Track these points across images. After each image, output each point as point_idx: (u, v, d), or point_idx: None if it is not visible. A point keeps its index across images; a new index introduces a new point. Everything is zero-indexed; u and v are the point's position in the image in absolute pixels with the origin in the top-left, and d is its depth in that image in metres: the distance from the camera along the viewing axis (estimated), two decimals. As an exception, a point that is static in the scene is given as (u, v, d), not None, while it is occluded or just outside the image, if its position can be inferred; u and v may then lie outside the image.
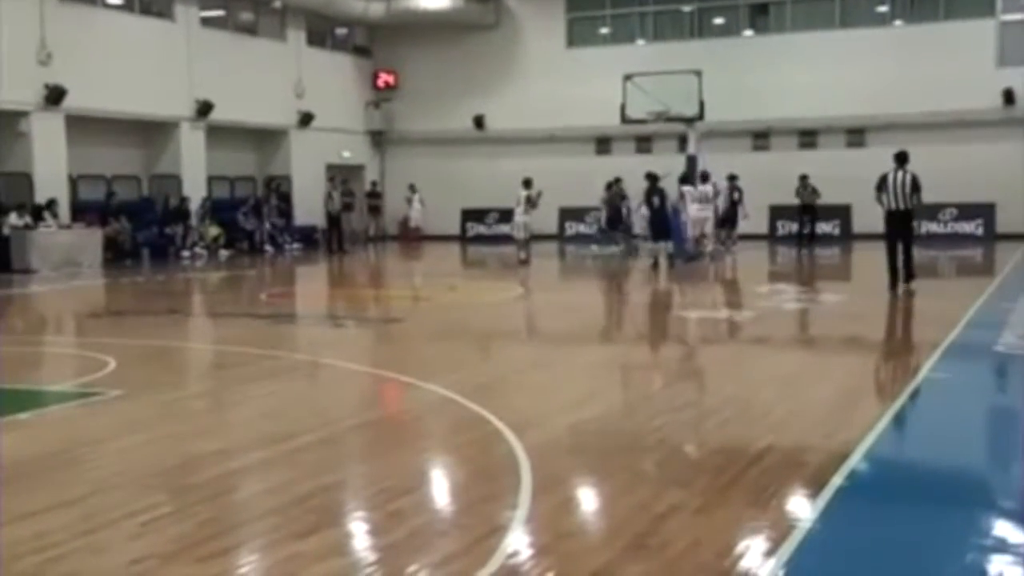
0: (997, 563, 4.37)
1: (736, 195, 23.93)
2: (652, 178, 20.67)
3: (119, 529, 4.90)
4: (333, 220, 26.72)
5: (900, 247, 14.54)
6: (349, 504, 5.47)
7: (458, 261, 25.83)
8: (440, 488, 5.89)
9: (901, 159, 14.81)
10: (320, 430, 6.97)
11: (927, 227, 26.65)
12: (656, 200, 20.44)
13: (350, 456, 6.54)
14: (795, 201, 25.70)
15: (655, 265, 19.68)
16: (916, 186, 14.46)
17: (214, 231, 25.77)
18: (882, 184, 14.59)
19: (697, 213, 21.24)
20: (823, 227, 27.30)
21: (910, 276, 14.65)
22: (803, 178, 25.29)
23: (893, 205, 14.47)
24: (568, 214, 29.39)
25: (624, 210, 23.53)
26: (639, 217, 22.09)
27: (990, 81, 25.63)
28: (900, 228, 14.64)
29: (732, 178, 23.97)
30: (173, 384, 9.23)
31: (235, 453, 6.38)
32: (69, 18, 22.53)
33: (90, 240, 22.16)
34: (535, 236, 22.77)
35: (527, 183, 21.84)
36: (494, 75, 30.72)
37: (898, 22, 27.69)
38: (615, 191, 23.92)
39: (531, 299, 16.86)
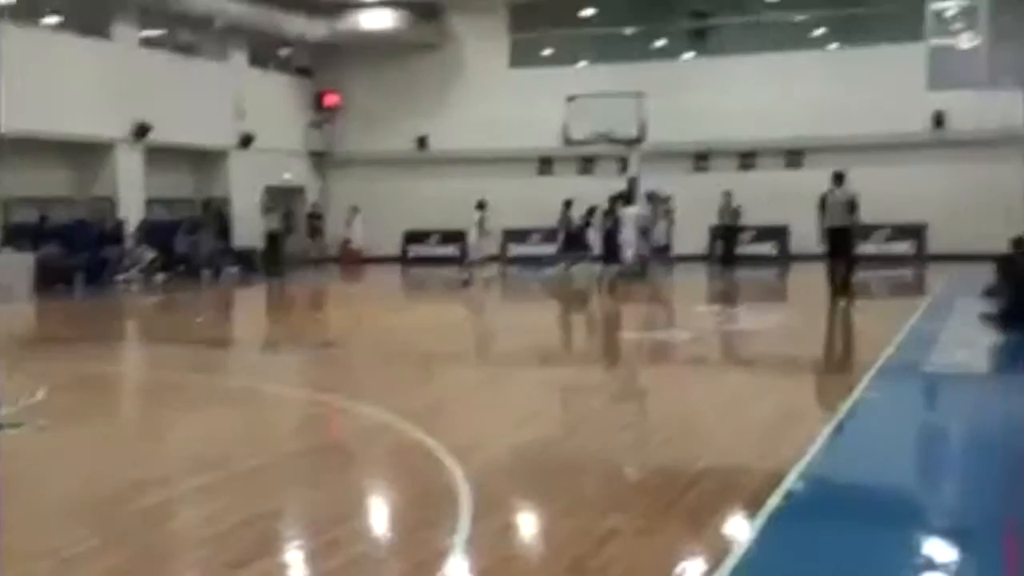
0: (930, 582, 4.43)
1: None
2: (614, 199, 21.16)
3: (44, 563, 4.75)
4: (271, 240, 26.24)
5: (842, 262, 15.35)
6: (285, 532, 5.39)
7: (399, 283, 25.72)
8: (379, 515, 5.83)
9: (838, 178, 15.76)
10: (256, 457, 6.86)
11: (861, 247, 27.07)
12: (609, 222, 20.82)
13: (287, 483, 6.45)
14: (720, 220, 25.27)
15: (605, 285, 19.87)
16: (853, 205, 15.32)
17: (150, 254, 25.37)
18: (823, 203, 15.47)
19: (627, 235, 21.39)
20: (761, 248, 27.66)
21: (845, 292, 15.37)
22: (726, 194, 24.64)
23: (832, 222, 15.27)
24: (511, 235, 29.42)
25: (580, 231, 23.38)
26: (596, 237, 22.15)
27: (921, 104, 26.17)
28: (840, 245, 15.38)
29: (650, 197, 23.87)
30: (104, 412, 9.05)
31: (167, 482, 6.26)
32: (2, 37, 22.11)
33: (21, 264, 21.66)
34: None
35: (481, 205, 21.89)
36: (437, 95, 30.73)
37: (833, 46, 28.24)
38: (568, 214, 23.63)
39: (473, 321, 16.83)
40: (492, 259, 22.32)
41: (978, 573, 4.58)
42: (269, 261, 26.06)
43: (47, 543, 5.02)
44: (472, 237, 21.93)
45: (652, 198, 23.30)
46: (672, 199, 24.11)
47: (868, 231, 26.73)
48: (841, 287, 15.37)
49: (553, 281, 22.39)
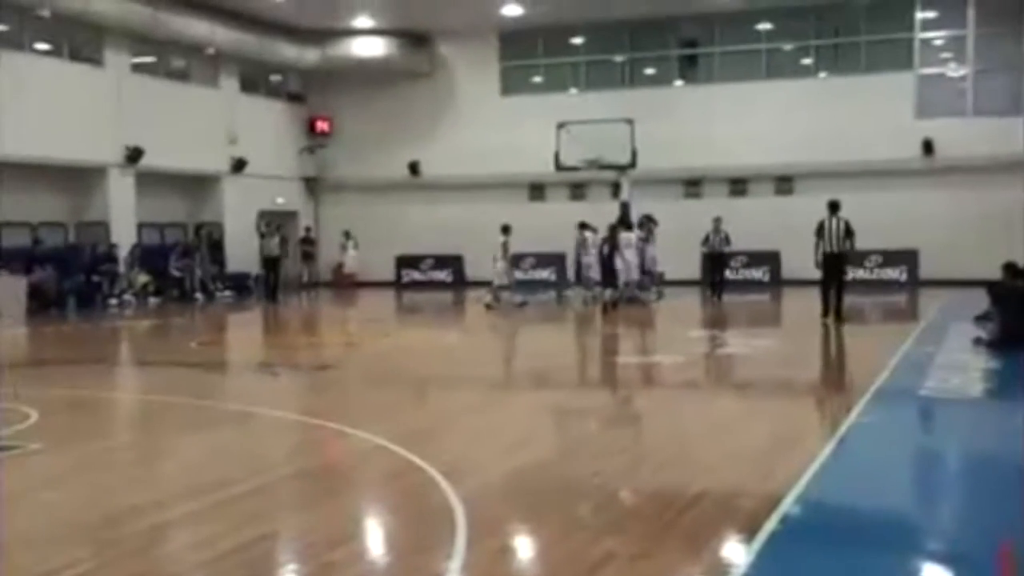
0: (927, 605, 4.42)
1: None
2: (615, 226, 21.56)
3: (38, 586, 4.73)
4: (269, 265, 25.95)
5: (834, 286, 16.51)
6: (280, 556, 5.36)
7: (392, 307, 25.70)
8: (374, 538, 5.81)
9: (834, 207, 16.72)
10: (250, 480, 6.83)
11: (854, 273, 27.16)
12: (607, 247, 21.14)
13: (282, 507, 6.42)
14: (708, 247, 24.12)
15: (603, 308, 19.91)
16: (849, 231, 16.47)
17: (143, 278, 25.34)
18: (820, 230, 16.52)
19: (630, 258, 21.73)
20: (753, 273, 27.76)
21: (839, 316, 16.48)
22: (717, 220, 23.44)
23: (829, 248, 16.41)
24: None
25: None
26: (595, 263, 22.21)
27: (910, 132, 26.40)
28: (834, 269, 16.56)
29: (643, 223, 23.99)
30: (98, 435, 9.00)
31: (162, 505, 6.22)
32: (-5, 62, 22.17)
33: (14, 288, 21.62)
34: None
35: (505, 229, 21.97)
36: (429, 122, 30.85)
37: (823, 74, 28.44)
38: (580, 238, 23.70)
39: (467, 344, 16.81)
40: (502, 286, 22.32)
41: (975, 596, 4.57)
42: (268, 286, 25.71)
43: (41, 566, 5.00)
44: (499, 263, 21.96)
45: (647, 222, 23.38)
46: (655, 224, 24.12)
47: (860, 257, 27.02)
48: (836, 310, 16.47)
49: (548, 305, 22.40)
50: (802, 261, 26.42)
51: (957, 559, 5.05)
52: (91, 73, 25.06)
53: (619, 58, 29.94)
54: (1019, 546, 5.19)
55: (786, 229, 25.28)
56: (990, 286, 14.05)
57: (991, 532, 5.56)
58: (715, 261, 23.77)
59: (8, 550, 5.26)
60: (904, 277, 26.79)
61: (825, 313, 16.63)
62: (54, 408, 9.79)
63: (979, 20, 26.38)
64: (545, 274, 28.70)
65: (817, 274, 16.97)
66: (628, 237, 21.93)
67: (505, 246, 21.94)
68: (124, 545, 5.36)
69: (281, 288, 26.38)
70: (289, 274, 28.88)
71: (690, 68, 29.99)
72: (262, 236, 26.44)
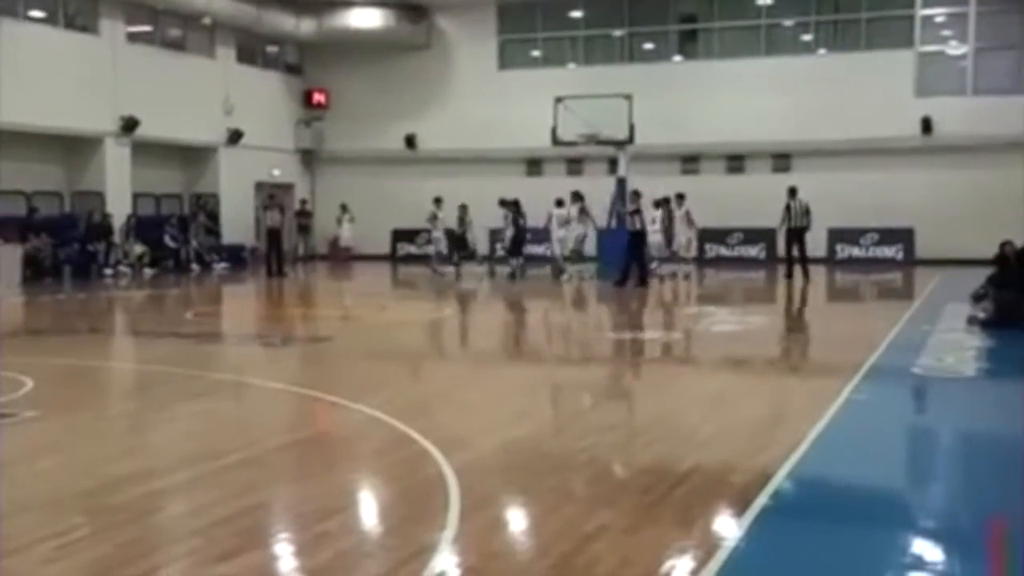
0: (916, 580, 4.46)
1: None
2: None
3: (31, 553, 4.74)
4: (272, 237, 25.22)
5: (797, 254, 21.36)
6: (274, 526, 5.38)
7: (388, 281, 25.69)
8: (367, 509, 5.83)
9: (793, 192, 21.64)
10: (245, 450, 6.85)
11: (849, 251, 27.29)
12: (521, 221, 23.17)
13: (275, 477, 6.44)
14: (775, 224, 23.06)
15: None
16: (807, 211, 21.45)
17: (139, 249, 25.31)
18: (787, 211, 21.45)
19: (560, 233, 23.23)
20: (749, 251, 27.79)
21: (806, 272, 21.19)
22: (792, 191, 22.07)
23: (794, 224, 21.42)
24: (498, 235, 29.40)
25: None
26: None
27: (909, 110, 26.34)
28: (797, 240, 21.52)
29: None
30: (93, 404, 9.02)
31: (156, 474, 6.25)
32: (-10, 30, 22.03)
33: (9, 257, 21.58)
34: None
35: (578, 196, 23.18)
36: (426, 95, 30.73)
37: (822, 51, 28.34)
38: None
39: (461, 318, 16.84)
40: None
41: (963, 571, 4.60)
42: (271, 259, 25.08)
43: (41, 531, 5.01)
44: (562, 231, 22.91)
45: (664, 203, 23.51)
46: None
47: (856, 235, 27.08)
48: (804, 272, 21.16)
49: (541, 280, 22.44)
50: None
51: (947, 535, 5.09)
52: (86, 41, 24.92)
53: (618, 33, 29.80)
54: (1009, 522, 5.23)
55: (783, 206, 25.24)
56: (994, 262, 14.06)
57: (981, 508, 5.60)
58: (794, 238, 22.22)
59: (3, 516, 5.27)
60: (900, 255, 26.82)
61: (788, 275, 21.24)
62: (49, 376, 9.80)
63: (980, -2, 26.28)
64: (541, 249, 28.66)
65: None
66: (557, 213, 23.21)
67: (581, 210, 22.91)
68: (119, 512, 5.38)
69: (286, 262, 26.13)
70: (285, 247, 28.81)
71: (689, 43, 29.88)
72: (265, 208, 26.31)
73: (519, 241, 23.53)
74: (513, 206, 23.66)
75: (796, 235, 21.36)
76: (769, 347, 12.35)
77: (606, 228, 24.72)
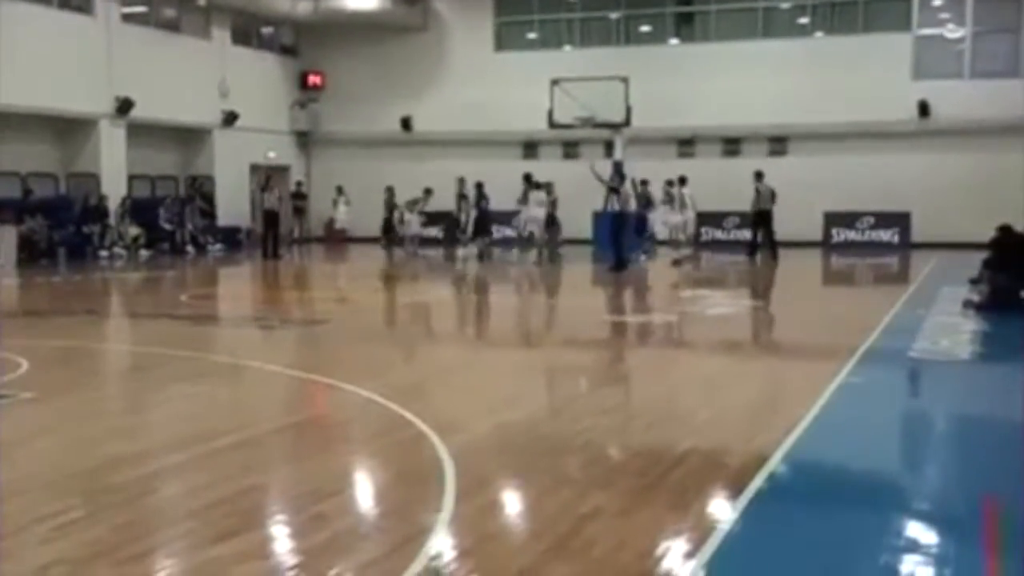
0: (910, 563, 4.48)
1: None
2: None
3: (28, 534, 4.76)
4: (268, 219, 25.05)
5: (764, 235, 22.32)
6: (270, 507, 5.39)
7: (383, 263, 25.66)
8: (363, 491, 5.84)
9: (759, 175, 22.70)
10: (241, 432, 6.86)
11: (845, 234, 27.28)
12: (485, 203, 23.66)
13: (272, 459, 6.45)
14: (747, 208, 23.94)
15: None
16: (773, 194, 22.40)
17: (134, 231, 25.25)
18: (756, 194, 22.47)
19: (530, 213, 23.06)
20: (745, 234, 27.70)
21: (775, 254, 22.02)
22: (758, 175, 23.12)
23: (761, 207, 22.37)
24: (495, 218, 29.36)
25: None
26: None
27: (906, 93, 26.29)
28: (763, 221, 22.35)
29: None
30: (89, 386, 9.01)
31: (153, 455, 6.25)
32: (-16, 11, 21.89)
33: (4, 238, 21.53)
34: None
35: (682, 181, 23.09)
36: (422, 77, 30.62)
37: (819, 34, 28.25)
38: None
39: (457, 301, 16.83)
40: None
41: (958, 553, 4.63)
42: (266, 241, 24.87)
43: (37, 511, 5.03)
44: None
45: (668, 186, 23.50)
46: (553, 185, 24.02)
47: (852, 219, 27.07)
48: (772, 256, 21.96)
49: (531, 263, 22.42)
50: (796, 223, 26.59)
51: (941, 516, 5.11)
52: (81, 22, 24.77)
53: (614, 15, 29.68)
54: (1003, 503, 5.25)
55: (779, 190, 25.20)
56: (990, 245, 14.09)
57: (975, 490, 5.62)
58: (758, 221, 22.98)
59: (0, 498, 5.28)
60: (896, 239, 26.80)
61: (752, 253, 22.25)
62: (45, 358, 9.79)
63: (978, -19, 26.21)
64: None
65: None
66: (533, 195, 23.15)
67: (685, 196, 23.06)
68: (115, 494, 5.39)
69: (281, 245, 26.04)
70: (282, 229, 28.74)
71: (686, 26, 29.78)
72: (262, 190, 26.20)
73: (483, 222, 24.09)
74: (477, 188, 24.32)
75: (762, 218, 22.27)
76: (765, 330, 12.36)
77: (602, 211, 24.67)
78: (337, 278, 22.02)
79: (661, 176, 24.41)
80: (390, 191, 26.44)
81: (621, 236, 20.38)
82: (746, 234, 27.72)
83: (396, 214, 26.24)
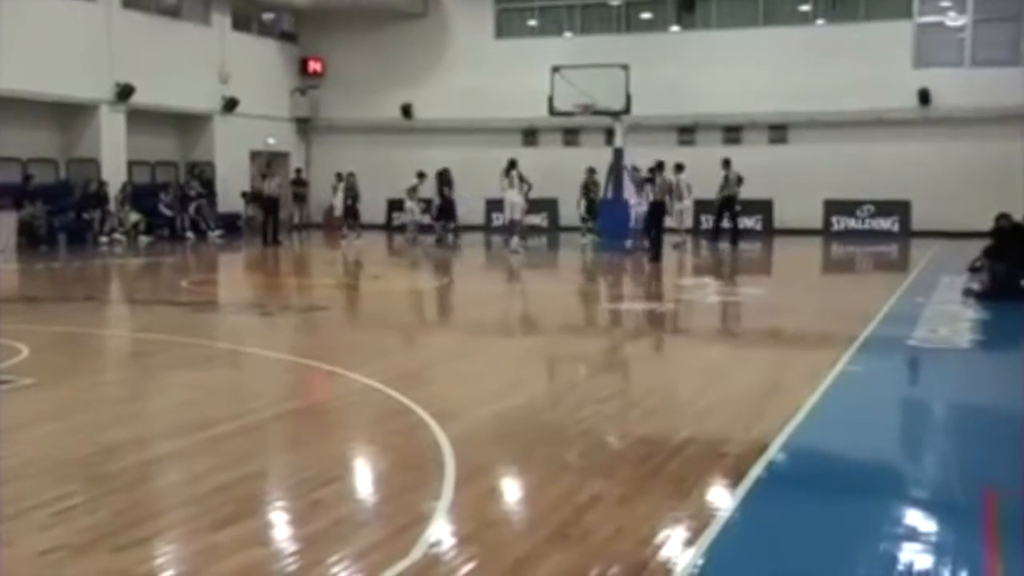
0: (909, 551, 4.48)
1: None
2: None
3: (28, 519, 4.76)
4: (269, 206, 25.00)
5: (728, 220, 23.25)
6: (269, 494, 5.40)
7: (384, 250, 25.64)
8: (363, 478, 5.85)
9: (727, 162, 23.53)
10: (241, 419, 6.86)
11: (845, 223, 27.26)
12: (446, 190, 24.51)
13: (271, 445, 6.46)
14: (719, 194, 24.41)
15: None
16: (740, 180, 23.34)
17: (134, 217, 25.23)
18: (724, 180, 23.25)
19: (513, 199, 23.17)
20: (746, 222, 27.69)
21: (735, 240, 22.92)
22: (726, 162, 23.94)
23: (728, 193, 23.27)
24: (494, 205, 29.35)
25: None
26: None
27: (907, 81, 26.24)
28: (729, 207, 23.30)
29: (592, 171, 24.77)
30: (89, 372, 9.02)
31: (152, 442, 6.26)
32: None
33: (4, 224, 21.52)
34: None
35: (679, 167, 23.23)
36: (422, 64, 30.55)
37: (820, 21, 28.16)
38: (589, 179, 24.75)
39: (456, 288, 16.82)
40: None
41: (957, 541, 4.63)
42: (266, 228, 24.71)
43: (37, 497, 5.03)
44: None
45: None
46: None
47: (852, 207, 27.05)
48: (732, 241, 22.86)
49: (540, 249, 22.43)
50: (796, 211, 26.60)
51: (940, 505, 5.11)
52: (82, 8, 24.70)
53: (615, 2, 29.59)
54: (1002, 492, 5.26)
55: (780, 178, 25.23)
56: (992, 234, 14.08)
57: (975, 479, 5.63)
58: (725, 207, 23.79)
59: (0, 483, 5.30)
60: (896, 227, 26.78)
61: (715, 239, 23.29)
62: (45, 344, 9.80)
63: (980, -31, 26.12)
64: (537, 220, 28.60)
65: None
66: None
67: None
68: (115, 480, 5.40)
69: (281, 231, 25.99)
70: (282, 216, 28.70)
71: (687, 13, 29.64)
72: (263, 177, 26.15)
73: (446, 208, 25.06)
74: (439, 177, 24.92)
75: (727, 204, 23.29)
76: (764, 318, 12.36)
77: (604, 198, 24.70)
78: (337, 265, 21.99)
79: (671, 161, 24.38)
80: (351, 176, 26.11)
81: (660, 226, 19.83)
82: (746, 222, 27.80)
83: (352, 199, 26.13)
